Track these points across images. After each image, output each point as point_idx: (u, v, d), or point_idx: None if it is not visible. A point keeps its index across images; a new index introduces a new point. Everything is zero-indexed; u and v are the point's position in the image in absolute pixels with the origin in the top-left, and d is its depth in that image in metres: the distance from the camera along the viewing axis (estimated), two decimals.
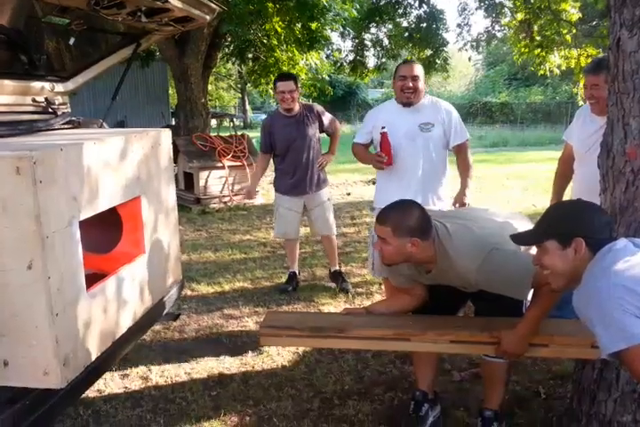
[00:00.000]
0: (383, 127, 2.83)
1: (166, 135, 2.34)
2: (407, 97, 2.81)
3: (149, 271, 2.16)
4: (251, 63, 9.73)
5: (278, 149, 3.61)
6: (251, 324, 3.15)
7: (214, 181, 6.57)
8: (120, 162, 1.91)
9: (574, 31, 8.38)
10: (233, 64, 14.45)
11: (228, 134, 7.55)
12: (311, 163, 3.60)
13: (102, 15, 2.18)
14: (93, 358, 1.73)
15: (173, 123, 11.77)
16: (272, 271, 4.15)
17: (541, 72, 9.23)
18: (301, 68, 9.56)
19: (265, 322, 2.07)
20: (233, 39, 8.65)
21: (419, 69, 2.84)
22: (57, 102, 2.41)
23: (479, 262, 1.78)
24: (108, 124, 2.73)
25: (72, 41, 2.46)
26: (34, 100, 2.29)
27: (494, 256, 1.80)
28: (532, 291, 1.86)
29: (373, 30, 10.28)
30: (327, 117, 3.70)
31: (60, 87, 2.46)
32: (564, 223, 1.46)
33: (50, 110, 2.36)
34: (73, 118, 2.49)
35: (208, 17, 2.47)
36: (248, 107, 28.60)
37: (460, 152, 2.98)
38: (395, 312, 2.11)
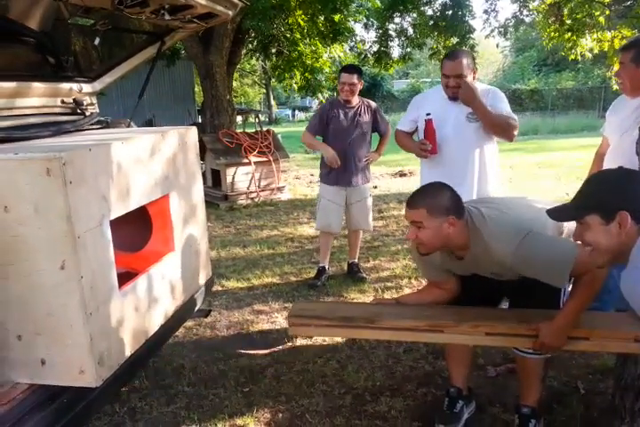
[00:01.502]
0: (428, 114, 2.74)
1: (192, 133, 2.35)
2: (452, 92, 2.69)
3: (179, 269, 2.17)
4: (274, 58, 9.72)
5: (329, 135, 3.65)
6: (280, 319, 3.15)
7: (241, 178, 6.60)
8: (148, 160, 1.92)
9: (607, 13, 8.07)
10: (257, 60, 14.52)
11: (253, 130, 7.56)
12: (358, 156, 3.63)
13: (126, 14, 2.18)
14: (127, 355, 1.75)
15: (200, 120, 11.87)
16: (300, 266, 4.14)
17: (572, 57, 8.94)
18: (325, 61, 9.50)
19: (293, 311, 2.05)
20: (256, 35, 8.64)
21: (462, 66, 2.62)
22: (85, 103, 2.44)
23: (515, 246, 1.71)
24: (135, 123, 2.75)
25: (97, 41, 2.48)
26: (62, 102, 2.33)
27: (531, 240, 1.72)
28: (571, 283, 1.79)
29: (397, 20, 10.10)
30: (382, 118, 3.78)
31: (87, 88, 2.49)
32: (605, 195, 1.34)
33: (78, 111, 2.40)
34: (101, 118, 2.52)
35: (231, 12, 2.45)
36: (273, 102, 28.65)
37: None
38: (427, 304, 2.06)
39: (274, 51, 9.43)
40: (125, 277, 1.85)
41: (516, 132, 2.71)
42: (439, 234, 1.74)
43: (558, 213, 1.47)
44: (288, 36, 8.92)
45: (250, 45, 9.85)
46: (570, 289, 1.81)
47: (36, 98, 2.18)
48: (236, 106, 13.03)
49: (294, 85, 9.90)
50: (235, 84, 16.84)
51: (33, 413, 1.48)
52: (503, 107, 2.68)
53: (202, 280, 2.44)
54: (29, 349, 1.51)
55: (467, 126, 2.69)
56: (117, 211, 1.69)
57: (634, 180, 1.37)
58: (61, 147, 1.67)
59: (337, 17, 8.53)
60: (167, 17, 2.25)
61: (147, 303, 1.91)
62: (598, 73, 24.20)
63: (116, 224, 1.71)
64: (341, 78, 3.55)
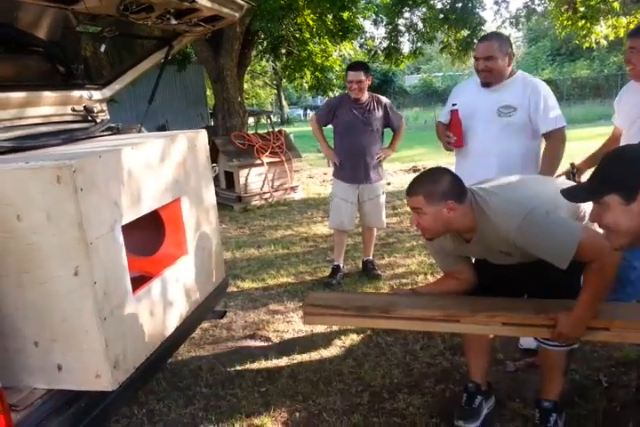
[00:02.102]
0: (454, 104, 2.63)
1: (202, 136, 2.36)
2: (483, 77, 2.56)
3: (193, 271, 2.18)
4: (284, 58, 9.74)
5: (339, 129, 3.64)
6: (296, 319, 3.15)
7: (254, 179, 6.62)
8: (158, 165, 1.93)
9: None
10: (267, 61, 14.53)
11: (265, 131, 7.58)
12: (369, 152, 3.61)
13: (132, 20, 2.19)
14: (143, 359, 1.76)
15: (212, 124, 11.96)
16: (315, 266, 4.13)
17: (586, 45, 8.79)
18: (335, 59, 9.48)
19: (308, 301, 2.05)
20: (265, 36, 8.66)
21: (493, 48, 2.49)
22: (95, 110, 2.47)
23: (518, 222, 1.67)
24: (148, 128, 2.77)
25: (103, 48, 2.50)
26: (73, 110, 2.36)
27: (534, 217, 1.68)
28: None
29: (407, 15, 10.04)
30: (395, 113, 3.74)
31: (97, 95, 2.51)
32: (625, 173, 1.23)
33: (89, 118, 2.42)
34: (112, 125, 2.54)
35: (237, 14, 2.45)
36: (284, 102, 28.71)
37: (548, 143, 2.57)
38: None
39: (283, 51, 9.45)
40: (140, 281, 1.86)
41: (565, 143, 2.56)
42: (439, 219, 1.74)
43: (573, 194, 1.37)
44: (297, 35, 8.92)
45: (259, 47, 9.88)
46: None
47: (47, 107, 2.21)
48: (248, 108, 13.09)
49: (305, 85, 9.91)
50: (246, 86, 16.91)
51: (51, 418, 1.50)
52: (554, 121, 2.50)
53: (216, 282, 2.45)
54: (46, 354, 1.53)
55: (496, 121, 2.52)
56: (129, 216, 1.70)
57: None
58: (71, 154, 1.68)
59: (345, 14, 8.51)
60: (173, 21, 2.25)
61: (161, 306, 1.92)
62: (614, 60, 23.76)
63: (129, 229, 1.72)
64: (348, 77, 3.53)
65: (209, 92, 15.87)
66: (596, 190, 1.27)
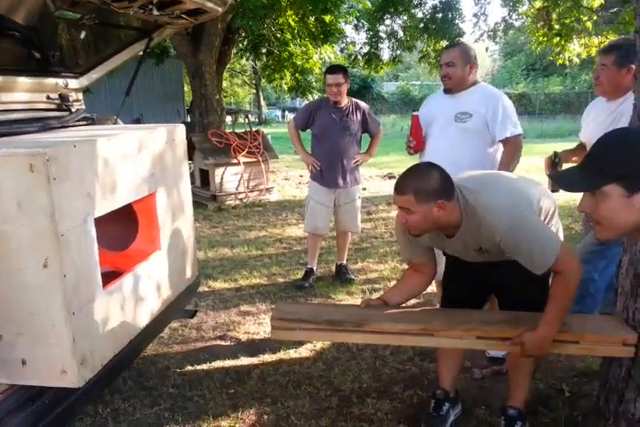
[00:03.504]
0: (414, 110, 2.76)
1: (180, 131, 2.32)
2: (445, 83, 2.69)
3: (166, 268, 2.15)
4: (264, 58, 9.70)
5: (316, 133, 3.65)
6: (267, 321, 3.12)
7: (230, 178, 6.56)
8: (134, 158, 1.89)
9: (595, 18, 8.17)
10: (247, 60, 14.46)
11: (243, 131, 7.53)
12: (347, 156, 3.62)
13: (113, 8, 2.15)
14: (111, 356, 1.73)
15: (189, 120, 11.82)
16: (288, 268, 4.12)
17: (560, 61, 9.04)
18: (315, 62, 9.50)
19: (276, 314, 1.93)
20: (246, 34, 8.62)
21: (455, 55, 2.62)
22: (71, 99, 2.41)
23: (510, 221, 1.66)
24: (122, 120, 2.72)
25: (83, 35, 2.43)
26: (48, 97, 2.29)
27: (525, 220, 1.69)
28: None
29: (388, 22, 10.14)
30: (373, 119, 3.76)
31: (74, 84, 2.45)
32: (630, 162, 1.09)
33: (64, 107, 2.36)
34: (87, 115, 2.49)
35: (220, 9, 2.43)
36: (263, 103, 28.58)
37: (504, 149, 2.67)
38: (409, 295, 2.03)
39: (264, 51, 9.41)
40: (110, 277, 1.82)
41: (520, 150, 2.67)
42: (429, 217, 1.69)
43: (569, 183, 1.22)
44: (278, 36, 8.90)
45: (240, 45, 9.82)
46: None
47: (21, 93, 2.14)
48: (226, 106, 13.00)
49: (284, 86, 9.89)
50: (224, 83, 16.78)
51: (13, 414, 1.46)
52: (505, 122, 2.59)
53: (188, 280, 2.42)
54: (10, 348, 1.48)
55: (453, 126, 2.65)
56: (102, 209, 1.67)
57: None
58: (45, 143, 1.64)
59: (327, 18, 8.53)
60: (155, 12, 2.22)
61: (132, 303, 1.88)
62: (585, 78, 24.53)
63: (101, 222, 1.68)
64: (327, 80, 3.53)
65: (187, 88, 15.69)
66: (596, 180, 1.13)
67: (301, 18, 8.50)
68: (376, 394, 2.34)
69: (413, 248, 1.97)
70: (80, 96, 2.52)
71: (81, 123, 2.41)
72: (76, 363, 1.50)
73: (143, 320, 1.97)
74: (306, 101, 9.26)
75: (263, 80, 16.18)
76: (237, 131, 7.73)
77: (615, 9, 9.95)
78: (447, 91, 2.72)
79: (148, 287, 2.00)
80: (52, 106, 2.32)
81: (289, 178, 9.03)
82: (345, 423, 2.14)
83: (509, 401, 2.06)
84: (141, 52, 2.62)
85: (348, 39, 11.05)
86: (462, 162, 2.54)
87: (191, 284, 2.45)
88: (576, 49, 8.59)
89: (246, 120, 10.77)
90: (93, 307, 1.61)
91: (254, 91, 28.35)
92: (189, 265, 2.41)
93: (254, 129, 7.55)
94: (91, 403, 2.16)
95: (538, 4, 8.49)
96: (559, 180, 1.24)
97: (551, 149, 2.91)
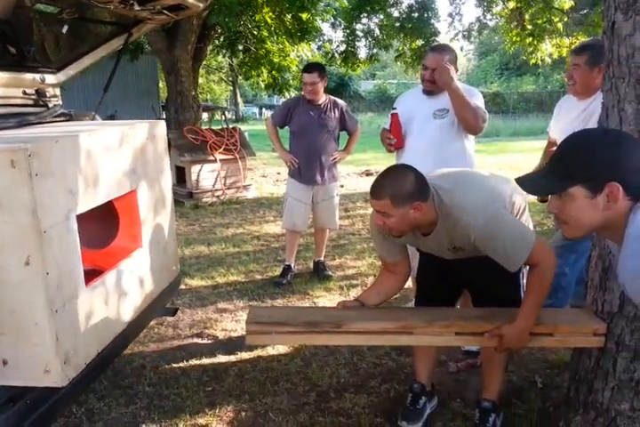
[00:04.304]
0: (394, 108, 2.77)
1: (161, 127, 2.30)
2: (426, 86, 2.71)
3: (148, 266, 2.12)
4: (241, 55, 9.65)
5: (295, 130, 3.65)
6: (244, 318, 3.11)
7: (206, 175, 6.51)
8: (115, 154, 1.87)
9: (566, 19, 8.36)
10: (223, 56, 14.35)
11: (219, 127, 7.48)
12: (325, 153, 3.63)
13: (93, 3, 2.11)
14: (95, 354, 1.70)
15: (164, 116, 11.67)
16: (266, 265, 4.12)
17: (533, 61, 9.22)
18: (292, 59, 9.49)
19: (251, 318, 1.86)
20: (223, 31, 8.56)
21: (443, 61, 2.62)
22: (48, 95, 2.35)
23: (484, 219, 1.69)
24: (99, 117, 2.68)
25: (65, 29, 2.38)
26: (24, 93, 2.23)
27: (499, 217, 1.72)
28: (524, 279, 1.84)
29: (364, 20, 10.18)
30: (351, 116, 3.77)
31: (51, 79, 2.39)
32: (591, 164, 1.12)
33: (41, 103, 2.30)
34: (65, 111, 2.44)
35: (201, 4, 2.40)
36: (240, 100, 28.41)
37: None
38: (386, 295, 2.04)
39: (240, 48, 9.36)
40: (91, 275, 1.80)
41: (484, 125, 2.69)
42: (406, 220, 1.71)
43: (533, 187, 1.25)
44: (255, 33, 8.87)
45: (216, 42, 9.74)
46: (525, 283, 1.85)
47: None
48: (202, 103, 12.87)
49: (261, 83, 9.85)
50: (201, 80, 16.62)
51: None
52: (477, 102, 2.66)
53: (170, 277, 2.39)
54: None
55: (431, 122, 2.69)
56: (85, 205, 1.64)
57: (626, 142, 1.15)
58: (26, 138, 1.61)
59: (304, 15, 8.53)
60: (136, 7, 2.18)
61: (115, 300, 1.86)
62: (557, 78, 25.04)
63: (82, 220, 1.66)
64: (303, 79, 3.54)
65: (162, 85, 15.48)
66: (560, 182, 1.16)
67: (278, 15, 8.48)
68: (353, 389, 2.36)
69: (388, 246, 1.99)
70: (57, 92, 2.46)
71: (59, 119, 2.36)
72: (60, 362, 1.47)
73: (126, 318, 1.95)
74: (283, 99, 9.24)
75: (240, 77, 16.09)
76: (214, 128, 7.68)
77: (585, 11, 10.19)
78: (428, 93, 2.73)
79: (130, 285, 1.97)
80: (29, 101, 2.26)
81: (266, 175, 9.01)
82: (323, 418, 2.15)
83: (484, 394, 2.11)
84: (120, 48, 2.57)
85: (325, 37, 11.08)
86: (442, 158, 2.60)
87: (172, 281, 2.43)
88: (548, 49, 8.78)
89: (223, 117, 10.69)
90: (76, 304, 1.58)
91: (231, 88, 28.15)
92: (171, 262, 2.39)
93: (231, 126, 7.49)
94: (74, 402, 2.13)
95: (511, 5, 8.64)
96: (525, 185, 1.25)
97: (524, 147, 2.96)
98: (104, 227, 2.10)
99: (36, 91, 2.26)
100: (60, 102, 2.46)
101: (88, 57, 2.52)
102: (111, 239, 2.11)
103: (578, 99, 2.60)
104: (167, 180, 2.34)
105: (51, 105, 2.33)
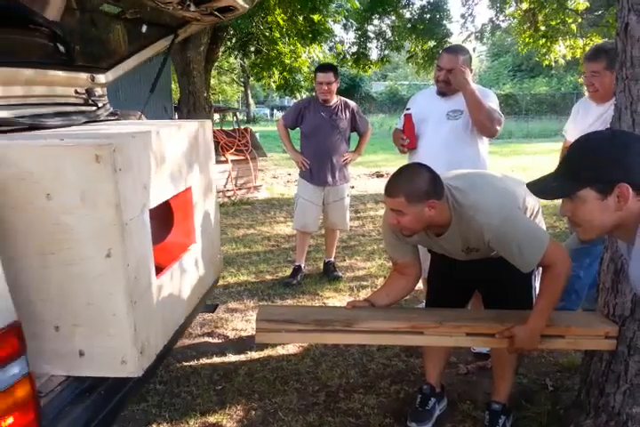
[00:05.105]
0: (408, 109, 2.76)
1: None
2: (440, 87, 2.70)
3: (201, 261, 2.15)
4: (253, 56, 9.70)
5: (306, 131, 3.67)
6: (255, 317, 3.13)
7: (218, 176, 6.54)
8: (177, 151, 1.90)
9: (580, 20, 8.29)
10: (235, 58, 14.42)
11: (230, 128, 7.52)
12: (336, 154, 3.64)
13: (156, 3, 2.09)
14: (162, 347, 1.71)
15: (176, 117, 11.76)
16: (276, 265, 4.13)
17: (546, 62, 9.16)
18: (303, 60, 9.52)
19: (261, 316, 1.86)
20: (235, 32, 8.61)
21: (458, 62, 2.61)
22: (97, 94, 2.36)
23: (499, 220, 1.69)
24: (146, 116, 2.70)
25: (144, 29, 2.37)
26: (76, 92, 2.24)
27: (515, 219, 1.72)
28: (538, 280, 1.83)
29: (376, 22, 10.20)
30: (362, 117, 3.77)
31: (101, 78, 2.40)
32: (600, 166, 1.13)
33: (90, 102, 2.31)
34: (114, 110, 2.46)
35: (248, 6, 2.41)
36: (251, 101, 28.53)
37: None
38: (396, 297, 2.02)
39: (252, 49, 9.41)
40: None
41: (499, 128, 2.67)
42: (421, 218, 1.70)
43: (544, 190, 1.26)
44: (267, 34, 8.91)
45: (228, 43, 9.81)
46: (538, 285, 1.84)
47: (53, 86, 2.09)
48: (214, 104, 12.94)
49: (272, 84, 9.90)
50: (213, 81, 16.72)
51: (72, 405, 1.44)
52: (491, 104, 2.64)
53: (216, 273, 2.40)
54: (67, 340, 1.44)
55: (445, 123, 2.68)
56: (155, 200, 1.67)
57: (629, 144, 1.16)
58: (105, 134, 1.63)
59: (316, 17, 8.56)
60: (192, 8, 2.18)
61: (177, 293, 1.89)
62: (571, 79, 24.84)
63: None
64: (317, 78, 3.55)
65: (174, 85, 15.59)
66: (570, 185, 1.18)
67: (290, 16, 8.51)
68: (363, 389, 2.37)
69: (400, 247, 1.99)
70: (105, 91, 2.46)
71: (111, 117, 2.37)
72: (137, 352, 1.46)
73: (185, 311, 1.96)
74: (294, 100, 9.28)
75: (252, 78, 16.15)
76: (225, 129, 7.72)
77: (600, 12, 10.10)
78: (441, 93, 2.73)
79: (188, 279, 2.00)
80: (80, 100, 2.26)
81: (277, 176, 9.04)
82: (332, 418, 2.16)
83: (494, 396, 2.10)
84: (167, 49, 2.58)
85: (337, 38, 11.12)
86: (455, 159, 2.58)
87: (217, 277, 2.44)
88: (561, 50, 8.71)
89: (235, 118, 10.76)
90: (150, 296, 1.59)
91: (243, 89, 28.28)
92: (217, 258, 2.40)
93: (242, 127, 7.53)
94: (139, 394, 2.13)
95: (524, 6, 8.59)
96: (535, 189, 1.26)
97: (537, 148, 2.95)
98: (160, 223, 2.13)
99: (87, 90, 2.26)
100: (107, 101, 2.46)
101: (136, 57, 2.52)
102: (166, 235, 2.12)
103: (596, 103, 2.58)
104: (212, 177, 2.37)
105: (100, 104, 2.33)
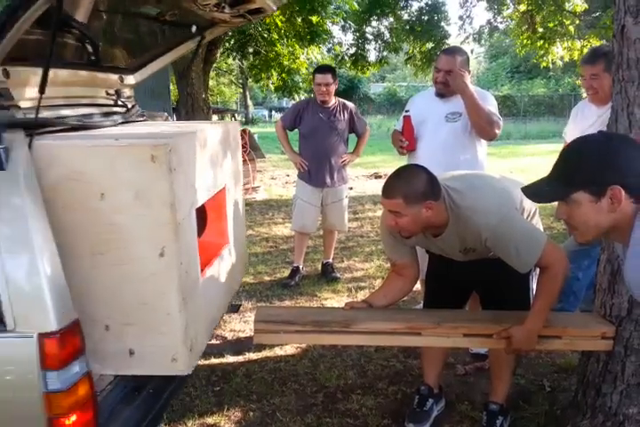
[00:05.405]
0: (407, 111, 2.77)
1: (235, 127, 2.38)
2: (439, 88, 2.71)
3: (233, 261, 2.16)
4: (251, 58, 9.70)
5: (304, 132, 3.68)
6: (253, 319, 3.13)
7: None
8: (214, 151, 1.92)
9: (577, 22, 8.31)
10: (234, 59, 14.42)
11: None
12: (334, 155, 3.64)
13: (197, 5, 2.08)
14: (205, 344, 1.72)
15: (175, 118, 11.76)
16: (274, 266, 4.14)
17: (544, 64, 9.18)
18: (302, 62, 9.52)
19: (259, 317, 1.86)
20: (233, 33, 8.61)
21: (455, 63, 2.62)
22: (125, 95, 2.36)
23: (497, 220, 1.69)
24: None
25: (194, 29, 2.35)
26: (107, 93, 2.24)
27: (512, 219, 1.73)
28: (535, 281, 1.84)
29: (374, 23, 10.21)
30: (360, 119, 3.79)
31: (129, 80, 2.39)
32: (593, 169, 1.14)
33: (119, 103, 2.30)
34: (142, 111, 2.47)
35: (275, 7, 2.42)
36: (249, 102, 28.54)
37: None
38: (394, 298, 2.03)
39: (251, 50, 9.41)
40: None
41: (498, 131, 2.68)
42: (418, 219, 1.71)
43: (538, 194, 1.27)
44: (265, 35, 8.91)
45: (227, 44, 9.80)
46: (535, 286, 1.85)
47: (86, 87, 2.08)
48: (212, 105, 12.95)
49: (271, 86, 9.90)
50: (211, 82, 16.72)
51: (124, 403, 1.46)
52: (490, 107, 2.65)
53: (242, 273, 2.42)
54: (117, 339, 1.44)
55: (443, 126, 2.69)
56: (200, 200, 1.68)
57: (623, 145, 1.17)
58: (157, 134, 1.65)
59: (315, 18, 8.56)
60: (227, 10, 2.18)
61: (216, 292, 1.90)
62: (569, 81, 24.91)
63: None
64: (316, 79, 3.56)
65: (172, 87, 15.60)
66: (562, 188, 1.19)
67: (288, 18, 8.51)
68: (361, 390, 2.37)
69: (398, 248, 2.00)
70: (132, 93, 2.46)
71: (140, 118, 2.37)
72: (187, 350, 1.47)
73: (221, 309, 1.98)
74: (292, 101, 9.29)
75: (250, 80, 16.17)
76: None
77: (597, 13, 10.13)
78: (440, 95, 2.73)
79: (224, 278, 2.02)
80: (110, 101, 2.26)
81: (275, 177, 9.04)
82: (330, 419, 2.17)
83: (491, 396, 2.11)
84: (194, 50, 2.58)
85: (335, 40, 11.10)
86: (454, 161, 2.60)
87: (242, 277, 2.47)
88: (559, 52, 8.73)
89: (233, 119, 10.78)
90: (198, 294, 1.59)
91: (241, 90, 28.30)
92: (244, 258, 2.42)
93: (241, 128, 7.54)
94: (181, 392, 2.14)
95: (522, 8, 8.61)
96: (530, 193, 1.28)
97: (535, 150, 2.96)
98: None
99: (116, 91, 2.26)
100: (135, 103, 2.46)
101: (163, 58, 2.51)
102: (200, 234, 2.15)
103: (596, 105, 2.58)
104: (241, 177, 2.40)
105: (129, 105, 2.33)
